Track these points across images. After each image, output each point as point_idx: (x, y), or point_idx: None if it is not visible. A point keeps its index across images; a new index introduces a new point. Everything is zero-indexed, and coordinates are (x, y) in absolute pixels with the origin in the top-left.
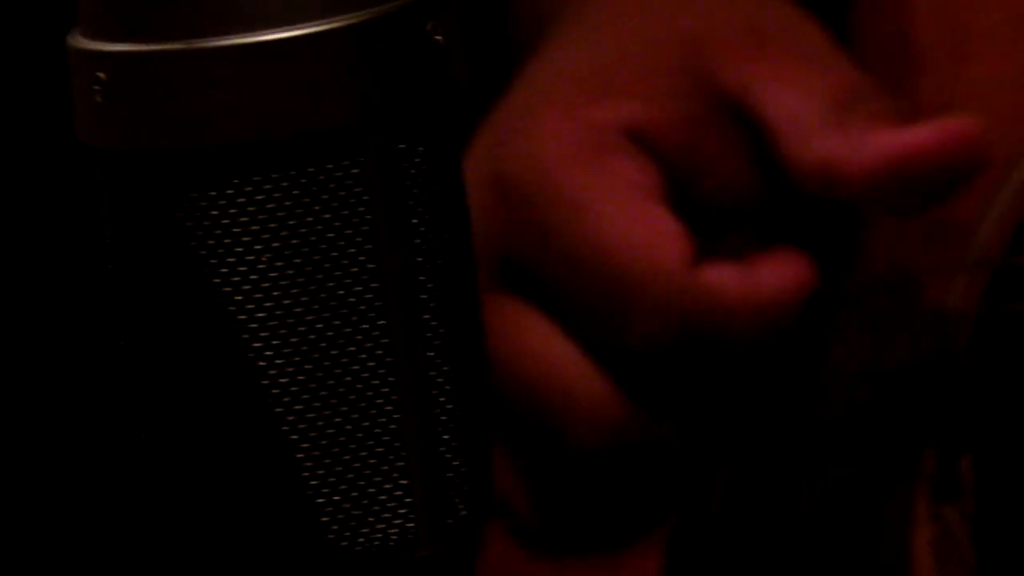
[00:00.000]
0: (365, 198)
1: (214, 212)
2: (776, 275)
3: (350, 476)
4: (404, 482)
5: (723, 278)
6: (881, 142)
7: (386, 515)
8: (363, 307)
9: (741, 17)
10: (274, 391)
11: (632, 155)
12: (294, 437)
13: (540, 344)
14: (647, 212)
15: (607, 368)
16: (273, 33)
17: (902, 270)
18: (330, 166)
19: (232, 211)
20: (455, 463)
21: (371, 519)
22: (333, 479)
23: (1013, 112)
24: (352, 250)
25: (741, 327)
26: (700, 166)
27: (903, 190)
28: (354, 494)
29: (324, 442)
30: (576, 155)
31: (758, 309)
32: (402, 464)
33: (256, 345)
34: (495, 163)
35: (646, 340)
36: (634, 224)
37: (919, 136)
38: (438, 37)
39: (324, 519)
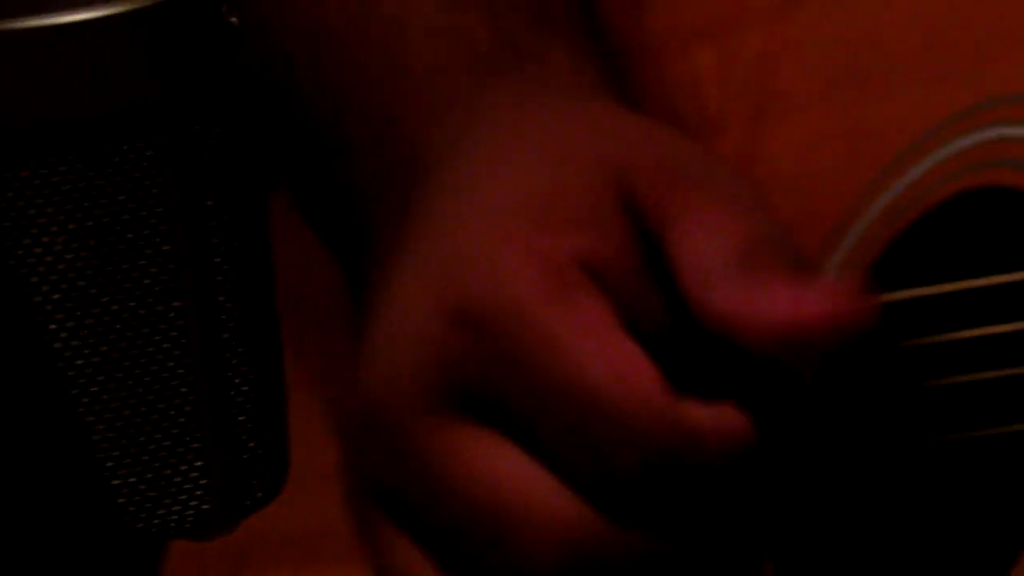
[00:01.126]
0: (160, 180)
1: (10, 194)
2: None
3: (146, 458)
4: (200, 464)
5: (699, 409)
6: (776, 308)
7: (182, 496)
8: (158, 289)
9: (658, 149)
10: (70, 372)
11: (591, 289)
12: (90, 418)
13: (508, 469)
14: (620, 346)
15: (578, 491)
16: (65, 16)
17: None
18: (125, 148)
19: (28, 193)
20: (251, 444)
21: (167, 500)
22: (129, 460)
23: (833, 166)
24: (147, 232)
25: (720, 453)
26: (642, 296)
27: (796, 351)
28: (150, 475)
29: (120, 423)
30: (545, 292)
31: (734, 439)
32: (198, 446)
33: (52, 327)
34: (454, 296)
35: (627, 470)
36: (612, 360)
37: (814, 305)
38: (233, 19)
39: (121, 500)
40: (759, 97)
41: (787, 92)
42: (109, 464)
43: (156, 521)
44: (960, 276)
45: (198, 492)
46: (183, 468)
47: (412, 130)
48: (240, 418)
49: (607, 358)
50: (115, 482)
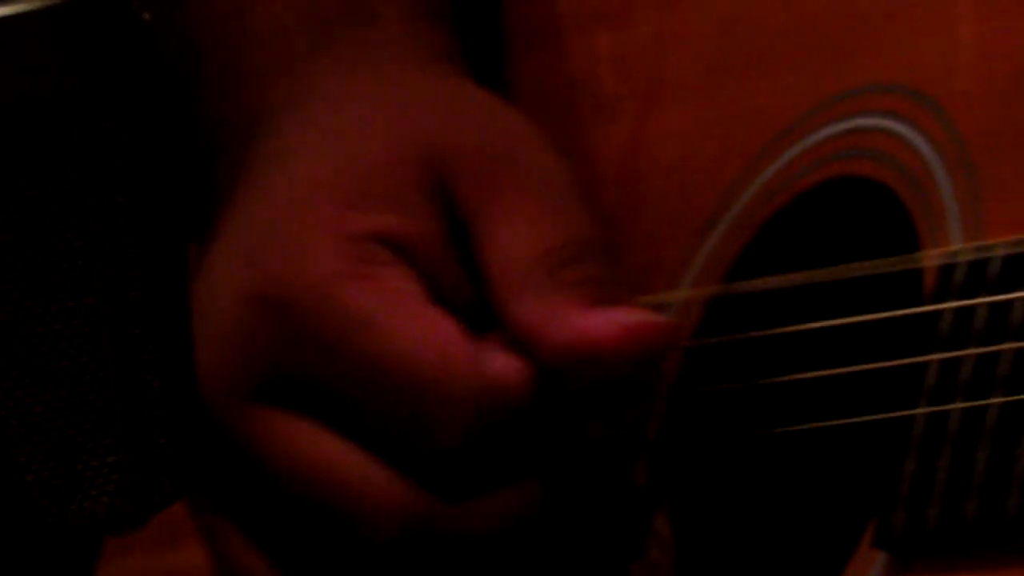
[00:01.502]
0: (71, 175)
1: None
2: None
3: (58, 453)
4: (111, 459)
5: (508, 364)
6: (572, 326)
7: (93, 492)
8: (69, 284)
9: (482, 133)
10: None
11: (394, 264)
12: (2, 413)
13: (324, 452)
14: (425, 318)
15: (399, 467)
16: None
17: None
18: (36, 142)
19: None
20: (162, 441)
21: (79, 495)
22: (41, 455)
23: (712, 152)
24: (59, 226)
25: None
26: (448, 274)
27: (583, 368)
28: (62, 470)
29: (32, 418)
30: (346, 271)
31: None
32: (109, 442)
33: None
34: (258, 282)
35: (448, 439)
36: (418, 332)
37: (608, 329)
38: (145, 15)
39: (34, 494)
40: (650, 82)
41: (673, 78)
42: (22, 459)
43: (70, 515)
44: (824, 262)
45: (109, 487)
46: (94, 463)
47: (253, 88)
48: (151, 414)
49: (411, 327)
50: (28, 476)
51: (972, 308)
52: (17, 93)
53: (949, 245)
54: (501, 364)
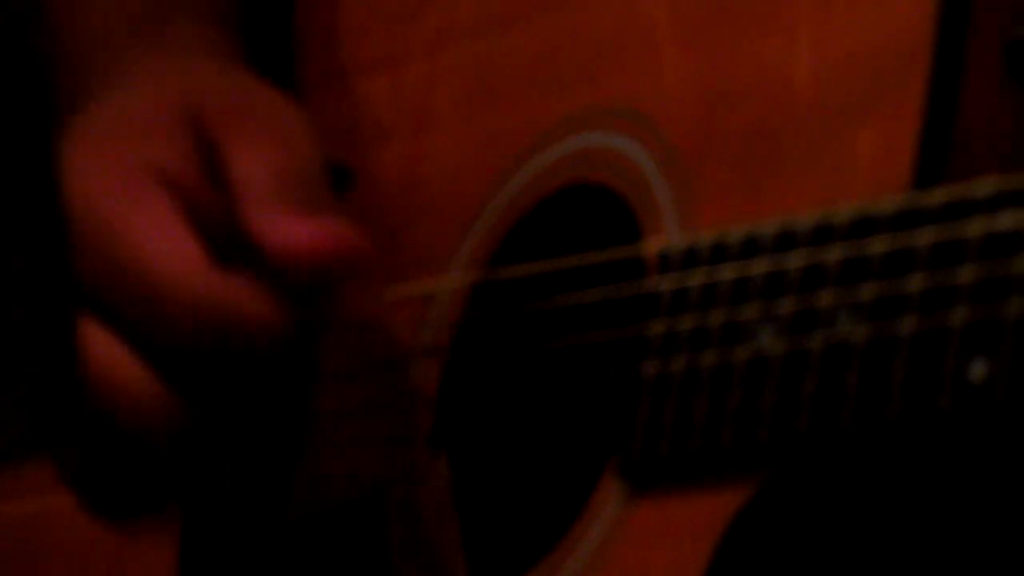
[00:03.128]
0: None
1: None
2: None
3: None
4: None
5: (240, 284)
6: (293, 233)
7: None
8: None
9: (232, 89)
10: None
11: (156, 187)
12: None
13: (98, 351)
14: (173, 234)
15: (153, 364)
16: None
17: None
18: None
19: None
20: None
21: None
22: None
23: (473, 166)
24: None
25: (255, 327)
26: (204, 198)
27: (303, 269)
28: None
29: None
30: (113, 188)
31: (270, 310)
32: None
33: None
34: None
35: (177, 339)
36: (161, 240)
37: (317, 231)
38: None
39: None
40: (419, 115)
41: (439, 109)
42: None
43: None
44: (566, 253)
45: None
46: None
47: (83, 56)
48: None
49: (159, 239)
50: None
51: (687, 292)
52: None
53: (666, 237)
54: (234, 284)
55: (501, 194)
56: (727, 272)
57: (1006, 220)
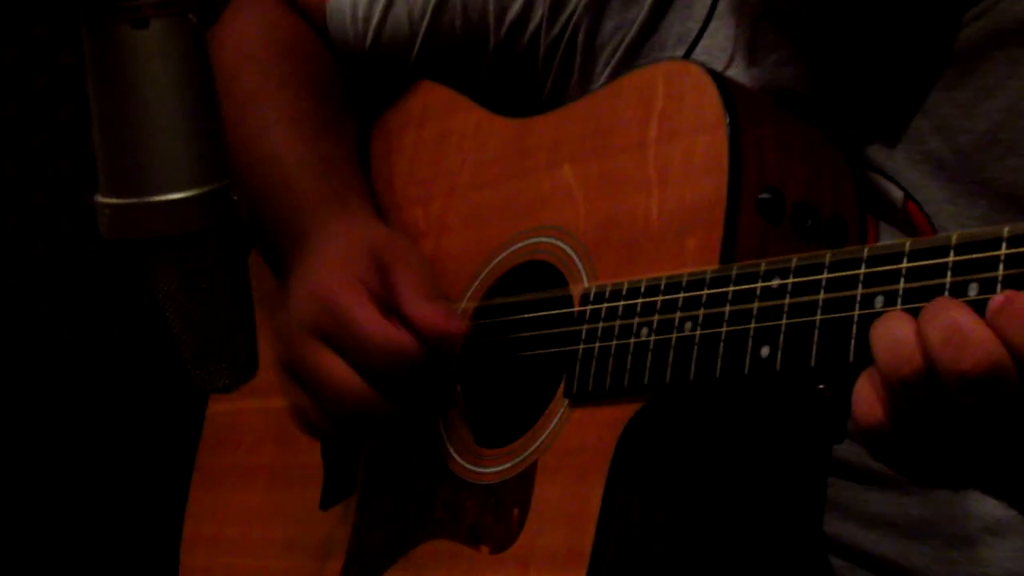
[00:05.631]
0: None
1: None
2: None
3: (201, 347)
4: (225, 355)
5: (404, 333)
6: (432, 319)
7: (214, 369)
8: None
9: (386, 235)
10: None
11: (359, 286)
12: (168, 315)
13: (334, 366)
14: (367, 306)
15: (365, 377)
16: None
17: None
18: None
19: None
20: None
21: (209, 370)
22: (192, 344)
23: (473, 252)
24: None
25: (413, 356)
26: (384, 295)
27: (435, 338)
28: (201, 356)
29: (191, 320)
30: (339, 286)
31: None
32: (224, 346)
33: None
34: (317, 293)
35: (375, 362)
36: (362, 310)
37: (443, 315)
38: (234, 196)
39: (189, 367)
40: (439, 228)
41: (452, 225)
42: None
43: (201, 379)
44: (527, 291)
45: (223, 368)
46: (215, 355)
47: (298, 219)
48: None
49: (367, 316)
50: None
51: (598, 310)
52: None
53: (583, 285)
54: (401, 334)
55: (490, 265)
56: (619, 301)
57: (774, 282)
